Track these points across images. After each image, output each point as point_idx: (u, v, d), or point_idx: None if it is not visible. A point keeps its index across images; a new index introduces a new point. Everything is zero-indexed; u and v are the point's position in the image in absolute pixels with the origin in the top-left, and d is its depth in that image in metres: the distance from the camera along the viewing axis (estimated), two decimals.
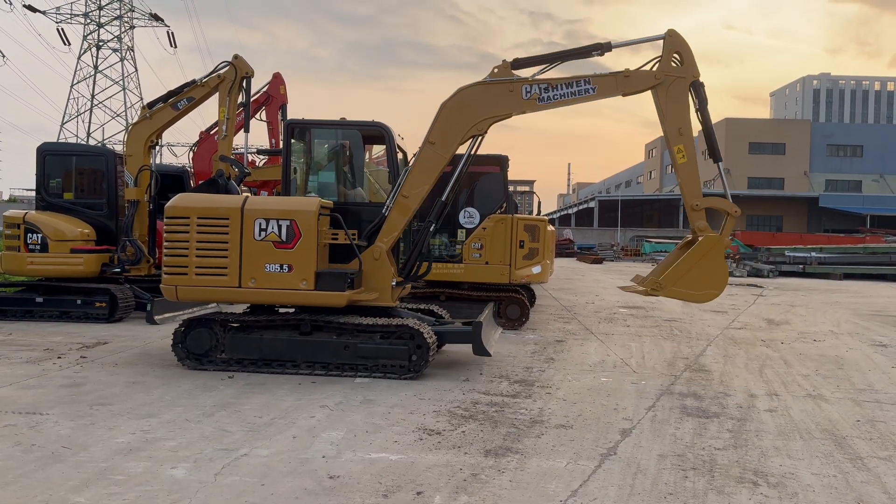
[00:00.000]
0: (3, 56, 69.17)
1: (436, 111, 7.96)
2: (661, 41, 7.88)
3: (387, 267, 7.96)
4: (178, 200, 7.91)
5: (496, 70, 7.84)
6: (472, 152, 8.15)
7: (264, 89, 16.69)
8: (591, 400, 6.92)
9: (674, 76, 7.91)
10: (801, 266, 30.73)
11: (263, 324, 7.83)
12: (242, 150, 14.12)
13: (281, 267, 7.61)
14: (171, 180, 14.16)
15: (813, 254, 31.57)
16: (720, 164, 8.21)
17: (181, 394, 6.71)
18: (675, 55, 7.95)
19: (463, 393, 7.01)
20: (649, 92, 7.98)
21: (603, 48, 7.99)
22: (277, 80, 16.92)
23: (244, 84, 12.36)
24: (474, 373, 8.00)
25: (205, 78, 12.32)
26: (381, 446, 5.27)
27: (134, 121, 13.00)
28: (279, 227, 7.61)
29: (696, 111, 8.00)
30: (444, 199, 8.31)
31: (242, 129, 13.06)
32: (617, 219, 63.64)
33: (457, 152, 8.16)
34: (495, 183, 11.74)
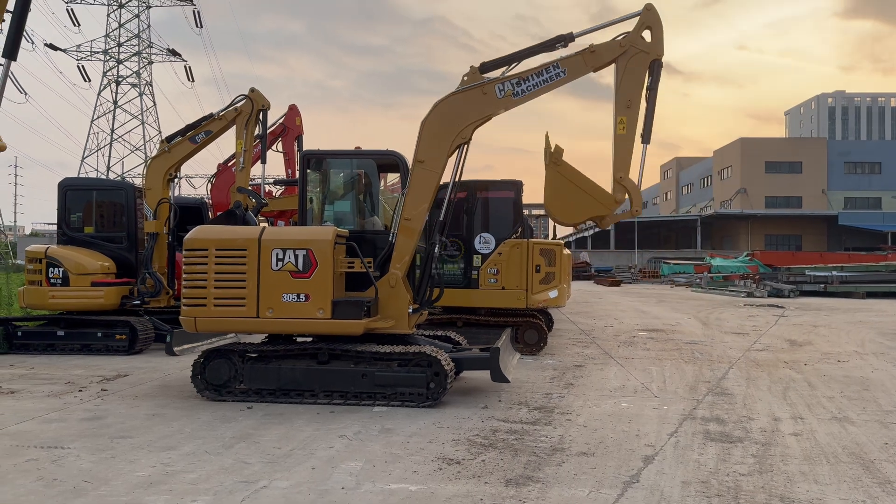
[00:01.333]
0: (25, 94, 70.68)
1: None
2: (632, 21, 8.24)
3: (402, 294, 7.97)
4: (196, 233, 8.00)
5: (465, 77, 7.97)
6: (462, 162, 8.26)
7: (280, 121, 16.93)
8: (612, 426, 6.84)
9: (638, 48, 8.18)
10: (822, 285, 30.35)
11: (281, 353, 7.85)
12: (259, 181, 14.28)
13: (298, 296, 7.65)
14: (190, 212, 14.33)
15: (834, 272, 31.19)
16: (645, 146, 8.47)
17: (201, 425, 6.72)
18: (647, 30, 8.23)
19: (482, 420, 6.96)
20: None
21: (566, 39, 8.20)
22: (293, 111, 17.16)
23: (261, 116, 12.55)
24: (493, 399, 7.95)
25: (222, 111, 12.53)
26: (400, 476, 5.23)
27: (153, 154, 13.20)
28: (296, 256, 7.66)
29: (647, 88, 8.22)
30: (441, 218, 8.34)
31: (259, 161, 13.25)
32: (634, 240, 63.34)
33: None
34: (510, 208, 11.76)
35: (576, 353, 11.88)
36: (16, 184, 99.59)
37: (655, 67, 8.19)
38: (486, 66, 7.99)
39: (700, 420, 7.15)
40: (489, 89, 7.94)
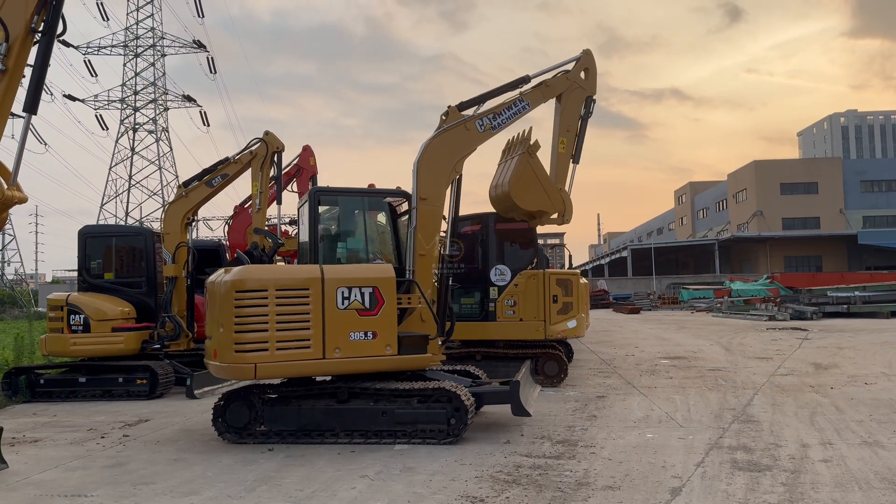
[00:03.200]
0: (46, 144, 72.20)
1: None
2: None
3: (433, 326, 8.18)
4: (247, 273, 7.56)
5: (445, 116, 8.71)
6: (458, 195, 8.71)
7: (295, 161, 17.13)
8: (637, 458, 6.74)
9: (577, 85, 10.58)
10: (845, 306, 29.94)
11: (300, 394, 7.84)
12: (275, 222, 14.42)
13: (366, 334, 7.66)
14: (208, 254, 14.48)
15: (857, 293, 30.80)
16: (575, 166, 10.93)
17: (222, 469, 6.70)
18: (584, 70, 10.68)
19: (505, 456, 6.88)
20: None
21: (524, 80, 9.78)
22: (307, 152, 17.38)
23: (275, 158, 12.73)
24: (515, 434, 7.87)
25: (237, 155, 12.72)
26: None
27: (170, 199, 13.39)
28: (362, 294, 7.68)
29: (581, 118, 10.70)
30: (446, 251, 8.64)
31: (275, 202, 13.39)
32: (651, 267, 62.99)
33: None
34: (525, 239, 11.76)
35: (597, 384, 11.75)
36: (37, 232, 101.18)
37: (589, 102, 10.64)
38: (464, 105, 8.87)
39: (727, 449, 7.02)
40: (471, 125, 8.83)
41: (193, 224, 13.70)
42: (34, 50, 6.00)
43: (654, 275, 62.16)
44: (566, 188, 10.79)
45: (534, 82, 10.04)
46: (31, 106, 6.03)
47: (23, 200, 6.11)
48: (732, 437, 7.58)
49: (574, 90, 10.53)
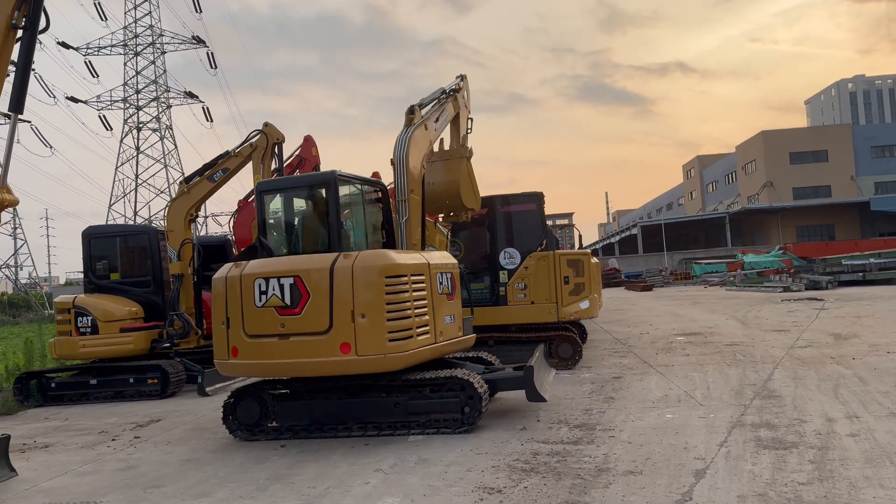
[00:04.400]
0: (51, 147, 72.36)
1: None
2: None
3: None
4: (392, 258, 7.25)
5: (411, 115, 8.99)
6: (423, 193, 8.95)
7: (297, 152, 16.90)
8: (658, 440, 6.55)
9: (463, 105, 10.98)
10: (860, 274, 29.57)
11: (311, 388, 7.69)
12: None
13: (450, 317, 8.09)
14: (214, 250, 14.35)
15: (872, 260, 30.40)
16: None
17: (235, 468, 6.57)
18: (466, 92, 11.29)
19: (521, 443, 6.71)
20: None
21: (448, 92, 10.32)
22: (309, 142, 17.12)
23: (276, 150, 12.53)
24: (531, 419, 7.70)
25: (237, 148, 12.54)
26: None
27: (173, 197, 13.25)
28: (449, 280, 8.13)
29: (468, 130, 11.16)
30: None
31: None
32: (662, 243, 62.55)
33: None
34: (533, 220, 11.54)
35: (613, 364, 11.56)
36: (48, 235, 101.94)
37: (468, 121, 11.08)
38: (417, 107, 9.30)
39: (750, 426, 6.83)
40: (429, 125, 9.34)
41: (199, 220, 13.55)
42: (17, 48, 5.82)
43: (666, 251, 61.74)
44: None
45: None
46: (17, 105, 5.85)
47: (13, 203, 5.95)
48: (755, 413, 7.38)
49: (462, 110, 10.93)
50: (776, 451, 5.93)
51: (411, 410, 7.37)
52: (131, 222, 66.77)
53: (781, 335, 14.03)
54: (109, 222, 65.42)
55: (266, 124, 12.42)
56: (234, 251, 14.79)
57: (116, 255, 12.72)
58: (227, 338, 7.48)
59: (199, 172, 12.73)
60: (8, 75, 5.83)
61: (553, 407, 8.27)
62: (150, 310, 12.39)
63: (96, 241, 12.65)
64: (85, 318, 11.82)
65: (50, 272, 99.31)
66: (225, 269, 7.72)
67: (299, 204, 8.40)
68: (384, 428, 7.42)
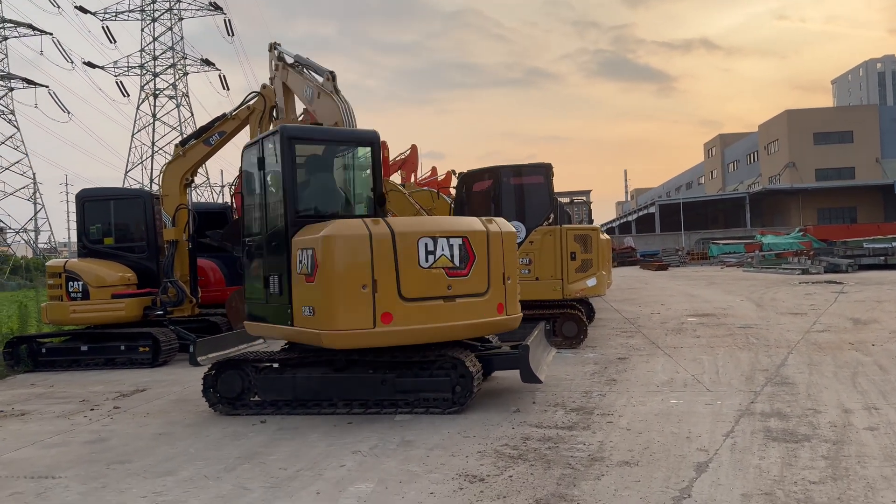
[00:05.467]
0: (69, 112, 72.35)
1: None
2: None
3: None
4: (511, 226, 7.73)
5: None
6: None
7: (300, 119, 16.43)
8: (658, 428, 6.10)
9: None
10: (882, 258, 28.78)
11: (295, 362, 7.31)
12: None
13: None
14: (215, 217, 13.98)
15: (894, 244, 29.55)
16: None
17: (207, 445, 6.21)
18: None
19: (512, 427, 6.29)
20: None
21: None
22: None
23: (274, 113, 12.03)
24: (526, 401, 7.27)
25: (234, 111, 12.06)
26: (414, 500, 4.60)
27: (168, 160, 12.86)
28: None
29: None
30: None
31: None
32: (680, 222, 61.60)
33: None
34: (540, 193, 11.03)
35: (619, 345, 11.09)
36: (67, 201, 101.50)
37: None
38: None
39: (759, 416, 6.35)
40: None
41: (193, 186, 13.14)
42: None
43: (683, 230, 60.84)
44: None
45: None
46: None
47: None
48: (765, 401, 6.89)
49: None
50: (786, 444, 5.46)
51: (399, 388, 6.96)
52: (148, 188, 66.74)
53: (798, 318, 13.47)
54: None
55: (264, 86, 11.90)
56: (235, 218, 14.42)
57: (110, 219, 12.36)
58: (372, 303, 6.52)
59: (195, 135, 12.29)
60: None
61: (551, 388, 7.84)
62: (143, 276, 12.05)
63: (90, 204, 12.29)
64: (76, 282, 11.50)
65: (69, 237, 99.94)
66: (357, 227, 6.66)
67: (331, 161, 7.97)
68: (370, 406, 7.02)
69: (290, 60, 10.09)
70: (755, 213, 64.11)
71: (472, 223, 7.25)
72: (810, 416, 6.25)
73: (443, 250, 6.84)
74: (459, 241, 6.94)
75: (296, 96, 10.33)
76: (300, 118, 11.85)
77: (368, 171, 7.84)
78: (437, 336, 6.87)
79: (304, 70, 9.82)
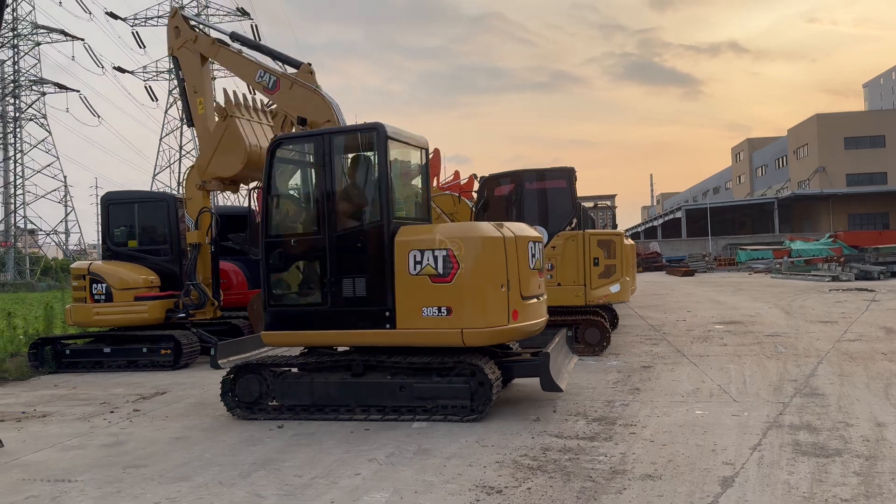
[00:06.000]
0: (99, 116, 73.43)
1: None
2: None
3: None
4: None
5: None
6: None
7: (271, 108, 16.43)
8: (683, 440, 5.93)
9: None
10: None
11: (313, 366, 7.24)
12: None
13: None
14: (238, 220, 14.00)
15: None
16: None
17: (223, 450, 6.16)
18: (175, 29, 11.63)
19: (532, 436, 6.15)
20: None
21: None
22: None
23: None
24: (547, 410, 7.13)
25: None
26: None
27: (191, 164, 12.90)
28: None
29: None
30: None
31: None
32: (706, 228, 60.83)
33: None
34: (562, 198, 10.87)
35: (643, 353, 10.89)
36: (96, 204, 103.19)
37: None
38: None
39: (788, 428, 6.15)
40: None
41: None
42: None
43: (710, 236, 60.06)
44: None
45: None
46: None
47: None
48: (794, 413, 6.69)
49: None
50: (816, 458, 5.27)
51: (417, 395, 6.86)
52: (175, 192, 67.49)
53: (828, 327, 13.15)
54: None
55: None
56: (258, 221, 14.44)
57: (134, 221, 12.45)
58: (507, 302, 6.84)
59: None
60: None
61: (573, 397, 7.69)
62: (166, 279, 12.10)
63: (115, 206, 12.39)
64: (99, 284, 11.58)
65: (99, 239, 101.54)
66: (492, 230, 6.90)
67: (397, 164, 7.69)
68: (388, 412, 6.93)
69: (201, 29, 11.02)
70: (784, 219, 63.10)
71: (532, 229, 7.86)
72: (841, 430, 6.04)
73: (537, 253, 7.52)
74: (540, 245, 7.72)
75: (236, 77, 11.00)
76: (271, 107, 11.83)
77: (420, 176, 7.98)
78: (536, 331, 7.47)
79: (244, 50, 10.18)
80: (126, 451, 6.25)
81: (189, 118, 11.87)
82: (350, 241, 7.12)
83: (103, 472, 5.62)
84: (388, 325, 6.91)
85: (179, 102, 76.16)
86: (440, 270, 6.69)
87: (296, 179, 7.94)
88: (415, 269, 6.77)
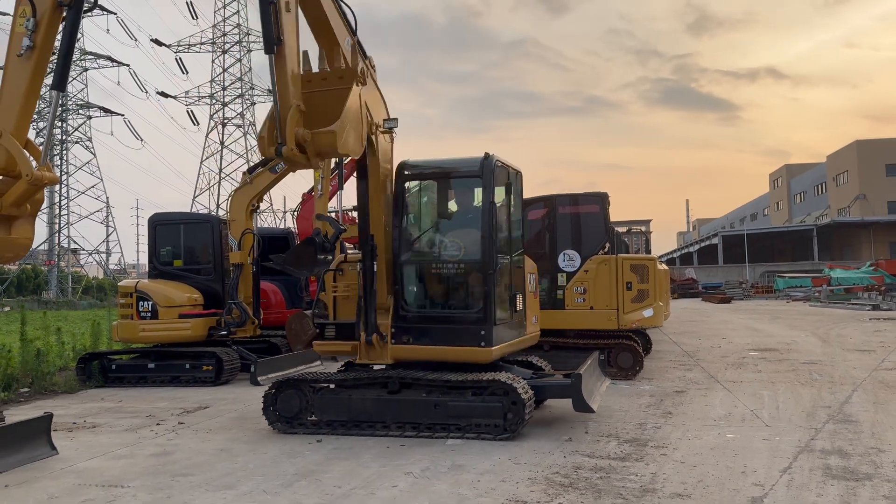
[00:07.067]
0: (142, 140, 75.51)
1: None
2: None
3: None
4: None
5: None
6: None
7: None
8: (714, 462, 6.02)
9: None
10: None
11: (350, 383, 7.49)
12: (336, 209, 14.18)
13: None
14: (277, 242, 14.41)
15: None
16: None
17: (265, 461, 6.41)
18: None
19: (564, 456, 6.30)
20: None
21: None
22: None
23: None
24: (579, 431, 7.26)
25: None
26: None
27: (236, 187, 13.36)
28: None
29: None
30: None
31: (338, 188, 13.14)
32: (744, 254, 60.06)
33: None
34: (595, 222, 11.03)
35: (676, 378, 10.93)
36: (137, 224, 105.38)
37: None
38: None
39: (819, 453, 6.20)
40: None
41: (259, 211, 13.60)
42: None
43: (748, 262, 59.29)
44: None
45: None
46: (59, 83, 5.85)
47: (54, 181, 5.95)
48: (826, 439, 6.72)
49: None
50: (846, 482, 5.33)
51: (451, 413, 7.06)
52: (213, 213, 68.90)
53: (865, 355, 13.01)
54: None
55: None
56: (297, 242, 14.84)
57: (180, 242, 12.90)
58: None
59: (262, 163, 12.76)
60: (53, 54, 5.85)
61: (605, 419, 7.80)
62: (209, 297, 12.50)
63: (161, 227, 12.87)
64: (146, 302, 12.01)
65: (138, 259, 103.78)
66: None
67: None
68: (422, 429, 7.13)
69: None
70: (823, 246, 62.05)
71: None
72: (873, 455, 6.07)
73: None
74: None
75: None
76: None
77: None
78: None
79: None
80: (173, 461, 6.54)
81: (273, 41, 6.51)
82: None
83: (153, 480, 5.91)
84: None
85: (220, 127, 78.04)
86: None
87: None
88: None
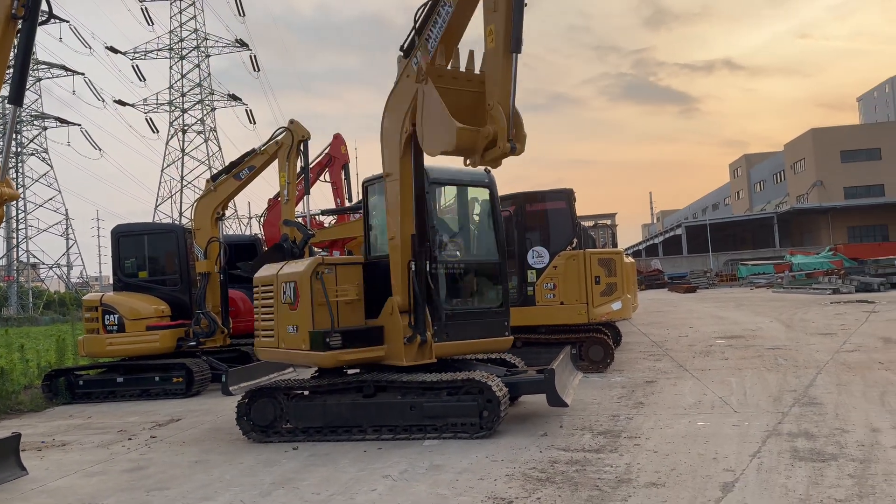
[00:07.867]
0: (100, 149, 74.15)
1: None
2: None
3: (397, 322, 7.26)
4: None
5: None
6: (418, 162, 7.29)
7: (326, 151, 16.80)
8: (685, 449, 6.14)
9: None
10: None
11: (325, 389, 7.47)
12: (304, 214, 14.10)
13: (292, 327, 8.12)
14: (244, 249, 14.29)
15: None
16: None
17: (242, 471, 6.38)
18: None
19: (540, 450, 6.37)
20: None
21: None
22: (338, 140, 17.01)
23: (302, 147, 12.37)
24: (554, 425, 7.34)
25: (263, 146, 12.42)
26: None
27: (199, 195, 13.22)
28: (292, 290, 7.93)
29: None
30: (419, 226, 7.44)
31: (305, 193, 13.07)
32: (707, 244, 61.08)
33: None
34: (562, 218, 11.15)
35: (647, 368, 11.10)
36: (98, 236, 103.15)
37: None
38: (406, 48, 7.07)
39: (786, 436, 6.37)
40: (409, 70, 7.00)
41: (224, 219, 13.47)
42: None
43: (711, 252, 60.29)
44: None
45: None
46: (16, 97, 5.75)
47: (14, 197, 5.84)
48: (793, 422, 6.90)
49: None
50: (813, 463, 5.49)
51: (427, 413, 7.09)
52: (178, 223, 67.91)
53: (827, 339, 13.36)
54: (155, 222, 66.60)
55: (291, 121, 12.27)
56: (264, 250, 14.72)
57: (144, 253, 12.71)
58: None
59: (226, 170, 12.67)
60: (9, 67, 5.74)
61: (578, 412, 7.90)
62: (177, 308, 12.34)
63: (125, 239, 12.66)
64: (112, 315, 11.82)
65: (101, 272, 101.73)
66: None
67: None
68: (399, 431, 7.15)
69: None
70: (784, 233, 63.38)
71: None
72: (838, 436, 6.25)
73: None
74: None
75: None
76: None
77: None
78: None
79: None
80: (148, 475, 6.47)
81: (521, 41, 6.29)
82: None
83: (128, 495, 5.84)
84: None
85: (180, 134, 76.89)
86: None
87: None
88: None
